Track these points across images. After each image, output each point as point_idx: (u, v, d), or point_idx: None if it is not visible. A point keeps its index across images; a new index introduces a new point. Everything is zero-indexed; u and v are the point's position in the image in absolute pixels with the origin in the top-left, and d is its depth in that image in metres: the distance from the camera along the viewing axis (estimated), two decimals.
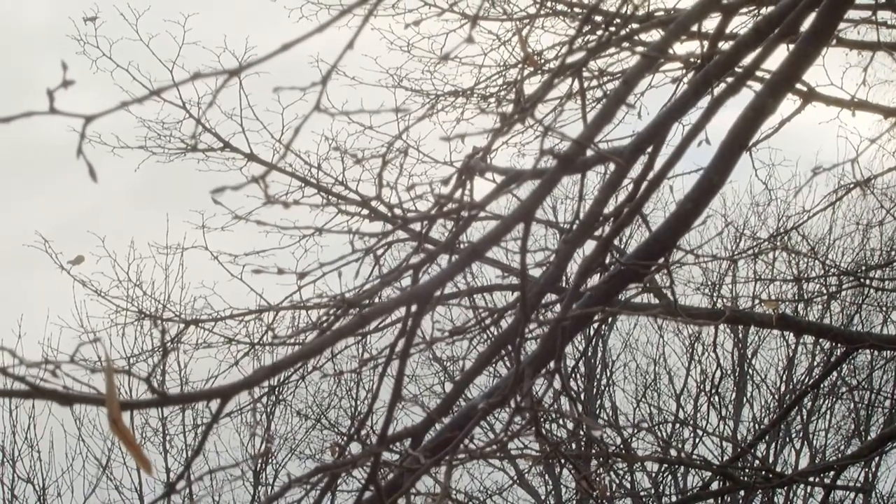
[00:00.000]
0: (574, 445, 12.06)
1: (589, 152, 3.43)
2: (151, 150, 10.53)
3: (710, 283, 14.40)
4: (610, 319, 14.12)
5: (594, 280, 4.09)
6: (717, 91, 3.77)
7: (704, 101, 3.85)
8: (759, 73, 4.36)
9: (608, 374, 15.72)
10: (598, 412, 15.41)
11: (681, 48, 7.44)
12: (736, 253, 13.97)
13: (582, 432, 10.66)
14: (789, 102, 8.67)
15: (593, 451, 9.56)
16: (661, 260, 3.99)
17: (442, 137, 3.03)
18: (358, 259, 4.30)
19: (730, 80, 3.71)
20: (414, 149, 8.81)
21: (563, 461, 10.07)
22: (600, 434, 12.83)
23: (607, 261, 4.03)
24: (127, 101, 2.77)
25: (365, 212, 8.96)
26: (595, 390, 15.46)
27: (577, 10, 8.75)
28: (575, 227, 3.71)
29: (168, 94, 9.78)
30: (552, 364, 3.58)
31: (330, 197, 9.47)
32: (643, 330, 15.96)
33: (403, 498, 3.51)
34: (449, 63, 9.57)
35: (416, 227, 4.07)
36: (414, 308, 3.15)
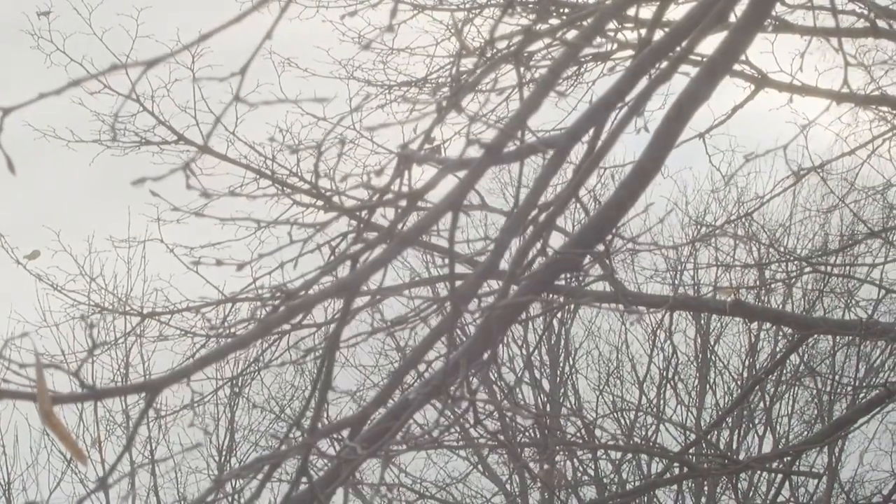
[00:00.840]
0: (537, 433, 12.07)
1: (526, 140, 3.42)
2: (106, 144, 10.49)
3: (669, 270, 14.41)
4: (571, 307, 14.12)
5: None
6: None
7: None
8: (696, 59, 4.36)
9: (571, 362, 15.72)
10: (561, 400, 15.42)
11: (633, 36, 7.44)
12: (692, 240, 13.97)
13: (539, 420, 10.68)
14: (740, 89, 8.71)
15: (548, 439, 9.59)
16: (600, 247, 3.98)
17: (367, 128, 3.03)
18: (302, 250, 4.27)
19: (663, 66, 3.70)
20: (367, 139, 8.79)
21: (518, 449, 10.08)
22: (564, 422, 12.84)
23: (546, 249, 4.01)
24: (45, 92, 2.75)
25: (321, 203, 8.93)
26: (558, 378, 15.47)
27: None
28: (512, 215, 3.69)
29: (122, 88, 9.77)
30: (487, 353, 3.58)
31: (285, 188, 9.45)
32: (605, 317, 15.95)
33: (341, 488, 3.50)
34: (401, 54, 9.60)
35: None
36: (342, 300, 3.14)
